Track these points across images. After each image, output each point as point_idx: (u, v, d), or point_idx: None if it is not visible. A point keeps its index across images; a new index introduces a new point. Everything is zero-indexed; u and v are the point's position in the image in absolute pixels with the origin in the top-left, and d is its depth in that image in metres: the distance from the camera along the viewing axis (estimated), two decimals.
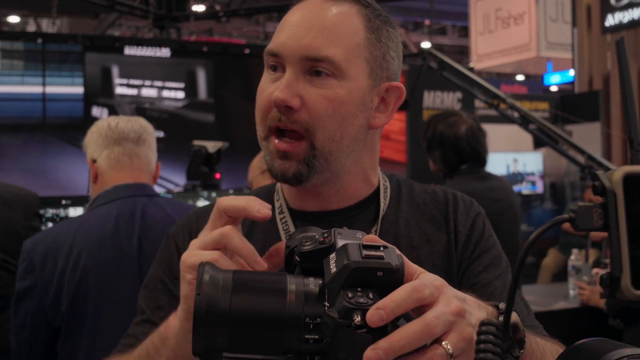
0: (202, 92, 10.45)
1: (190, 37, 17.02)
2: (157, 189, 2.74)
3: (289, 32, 1.33)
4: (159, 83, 10.13)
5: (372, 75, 1.36)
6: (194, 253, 1.14)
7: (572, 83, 14.10)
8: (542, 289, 7.21)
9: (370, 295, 0.91)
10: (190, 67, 10.33)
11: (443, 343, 0.91)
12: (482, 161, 4.00)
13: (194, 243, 1.17)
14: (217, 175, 5.26)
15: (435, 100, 11.62)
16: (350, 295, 0.91)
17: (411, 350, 0.89)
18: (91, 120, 9.64)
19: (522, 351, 1.10)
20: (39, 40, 9.47)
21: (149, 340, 1.29)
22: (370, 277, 0.92)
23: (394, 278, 0.93)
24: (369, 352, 0.87)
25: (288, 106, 1.29)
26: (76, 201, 4.34)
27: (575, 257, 5.13)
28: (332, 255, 0.97)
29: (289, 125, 1.30)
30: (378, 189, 1.48)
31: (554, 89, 18.74)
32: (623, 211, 0.84)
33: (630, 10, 12.10)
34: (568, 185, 11.47)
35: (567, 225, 5.88)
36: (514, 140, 10.90)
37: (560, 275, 8.69)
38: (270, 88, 1.33)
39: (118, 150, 2.58)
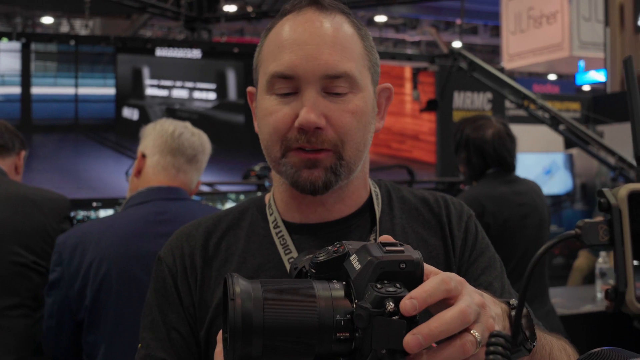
0: (232, 93, 10.49)
1: (221, 38, 17.11)
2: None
3: (301, 52, 1.29)
4: (189, 84, 10.19)
5: (372, 81, 1.38)
6: None
7: (603, 83, 13.98)
8: (570, 291, 7.16)
9: (398, 285, 0.96)
10: (221, 68, 10.37)
11: (472, 331, 0.96)
12: (508, 166, 3.98)
13: None
14: None
15: (466, 100, 11.56)
16: (379, 286, 0.95)
17: (447, 337, 0.94)
18: (122, 121, 9.76)
19: (534, 343, 1.13)
20: (72, 42, 9.57)
21: None
22: (394, 269, 0.97)
23: (415, 270, 0.98)
24: (409, 337, 0.92)
25: (318, 127, 1.28)
26: (107, 203, 4.40)
27: (602, 260, 5.09)
28: (353, 257, 1.01)
29: (318, 146, 1.29)
30: (371, 195, 1.48)
31: (586, 88, 18.58)
32: (628, 228, 0.86)
33: None
34: (599, 186, 11.38)
35: None
36: (544, 140, 10.82)
37: (592, 277, 8.63)
38: (285, 109, 1.30)
39: (170, 160, 2.62)
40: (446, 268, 1.42)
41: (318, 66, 1.28)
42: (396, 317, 0.93)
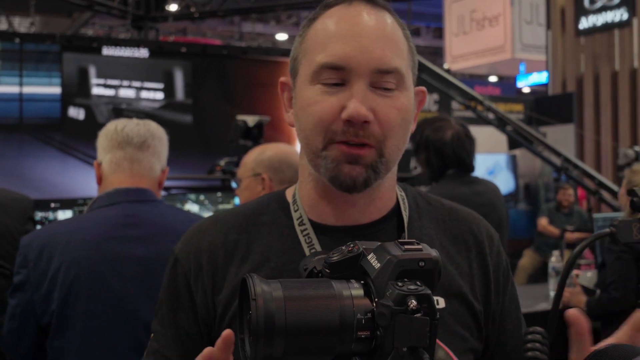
0: (180, 93, 10.42)
1: (169, 38, 16.97)
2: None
3: (354, 43, 1.26)
4: (136, 83, 10.08)
5: (413, 81, 1.36)
6: None
7: (544, 85, 14.25)
8: (520, 290, 7.25)
9: (418, 283, 0.96)
10: (169, 68, 10.29)
11: None
12: (467, 167, 4.02)
13: None
14: None
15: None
16: (400, 284, 0.95)
17: None
18: (68, 120, 9.61)
19: None
20: (17, 40, 9.40)
21: None
22: (413, 267, 0.98)
23: (434, 268, 0.99)
24: None
25: (366, 121, 1.25)
26: (65, 204, 4.33)
27: (555, 259, 5.19)
28: (371, 256, 1.02)
29: (365, 140, 1.25)
30: (398, 200, 1.43)
31: (526, 90, 18.89)
32: None
33: (603, 14, 12.26)
34: (542, 187, 11.58)
35: (541, 227, 5.97)
36: (488, 141, 10.98)
37: (536, 276, 8.78)
38: (331, 100, 1.26)
39: (120, 154, 2.58)
40: (470, 288, 1.38)
41: (372, 59, 1.26)
42: (419, 315, 0.93)
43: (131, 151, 2.58)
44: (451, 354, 1.26)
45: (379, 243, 1.04)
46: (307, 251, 1.32)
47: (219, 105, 10.56)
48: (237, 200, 4.97)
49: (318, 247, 1.32)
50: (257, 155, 3.15)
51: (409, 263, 0.98)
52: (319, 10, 1.35)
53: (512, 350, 1.41)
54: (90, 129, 9.95)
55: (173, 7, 14.26)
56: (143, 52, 10.03)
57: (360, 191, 1.29)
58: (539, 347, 0.94)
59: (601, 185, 7.34)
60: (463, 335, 1.32)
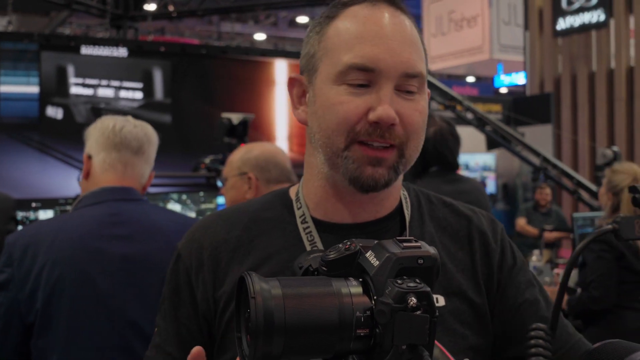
0: (159, 93, 10.40)
1: (148, 37, 16.89)
2: None
3: (384, 46, 1.27)
4: (115, 83, 10.06)
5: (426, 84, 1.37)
6: None
7: (522, 85, 14.33)
8: None
9: (417, 280, 0.96)
10: (148, 67, 10.26)
11: None
12: (450, 165, 4.01)
13: None
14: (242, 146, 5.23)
15: None
16: (399, 282, 0.95)
17: None
18: (46, 120, 9.56)
19: None
20: None
21: None
22: (412, 265, 0.98)
23: (433, 265, 0.99)
24: None
25: (392, 124, 1.26)
26: (47, 204, 4.29)
27: (536, 258, 5.23)
28: (369, 253, 1.01)
29: (390, 141, 1.26)
30: (401, 199, 1.44)
31: (503, 90, 19.00)
32: None
33: (581, 15, 12.34)
34: (520, 186, 11.66)
35: (520, 227, 5.99)
36: (466, 141, 11.03)
37: None
38: (357, 101, 1.26)
39: (115, 156, 2.56)
40: (473, 282, 1.39)
41: (401, 63, 1.26)
42: (419, 312, 0.93)
43: (127, 154, 2.57)
44: (447, 352, 1.27)
45: (376, 241, 1.04)
46: (309, 249, 1.33)
47: (199, 105, 10.55)
48: (219, 200, 4.97)
49: (320, 245, 1.33)
50: (244, 154, 3.14)
51: (407, 260, 0.98)
52: (336, 9, 1.35)
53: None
54: (68, 128, 9.93)
55: (151, 7, 14.20)
56: (122, 52, 10.00)
57: (380, 191, 1.31)
58: (542, 344, 0.95)
59: (580, 184, 7.40)
60: (463, 334, 1.33)
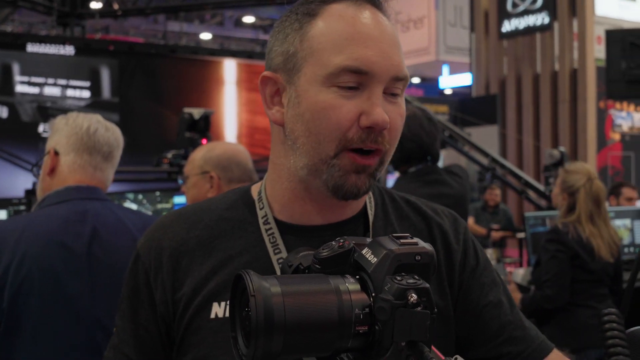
0: (107, 91, 10.28)
1: (95, 36, 16.66)
2: None
3: (376, 48, 1.23)
4: (62, 81, 9.91)
5: None
6: None
7: (468, 86, 14.51)
8: None
9: (416, 277, 0.95)
10: (95, 66, 10.14)
11: None
12: (427, 149, 3.69)
13: None
14: (204, 141, 5.16)
15: None
16: (398, 278, 0.94)
17: None
18: None
19: None
20: None
21: None
22: (410, 261, 0.97)
23: (430, 262, 0.99)
24: None
25: (385, 128, 1.22)
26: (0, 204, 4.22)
27: (489, 256, 5.29)
28: (366, 250, 1.00)
29: (381, 146, 1.23)
30: (365, 200, 1.40)
31: (448, 92, 19.19)
32: None
33: (526, 17, 12.56)
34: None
35: (468, 226, 6.01)
36: None
37: None
38: (348, 105, 1.22)
39: (87, 159, 2.53)
40: (436, 285, 1.35)
41: (392, 66, 1.22)
42: (419, 309, 0.92)
43: (97, 158, 2.55)
44: (436, 350, 1.27)
45: (370, 239, 1.04)
46: (270, 251, 1.30)
47: (147, 104, 10.46)
48: (176, 200, 4.94)
49: (282, 247, 1.30)
50: (206, 152, 3.11)
51: (405, 257, 0.97)
52: (315, 6, 1.29)
53: (494, 333, 1.38)
54: (14, 127, 9.77)
55: (97, 5, 14.01)
56: (69, 50, 9.86)
57: (358, 199, 1.28)
58: (616, 327, 0.95)
59: (527, 184, 7.53)
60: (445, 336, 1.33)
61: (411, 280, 0.94)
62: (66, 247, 2.39)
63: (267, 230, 1.32)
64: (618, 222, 5.44)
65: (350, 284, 0.98)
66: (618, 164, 13.97)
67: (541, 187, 7.31)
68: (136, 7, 12.97)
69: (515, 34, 12.78)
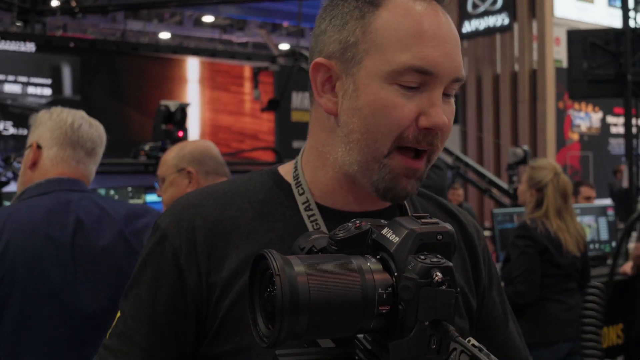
0: (68, 89, 10.18)
1: (57, 33, 16.46)
2: None
3: (442, 49, 1.20)
4: (23, 79, 9.80)
5: None
6: None
7: None
8: None
9: (439, 256, 0.96)
10: (56, 63, 10.03)
11: None
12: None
13: None
14: (180, 133, 5.18)
15: (304, 101, 11.73)
16: (422, 257, 0.95)
17: None
18: None
19: None
20: None
21: None
22: (432, 241, 0.97)
23: (451, 241, 0.99)
24: None
25: (443, 129, 1.21)
26: None
27: None
28: (386, 230, 1.00)
29: (434, 147, 1.22)
30: None
31: None
32: None
33: (486, 18, 12.69)
34: None
35: None
36: None
37: None
38: (410, 105, 1.19)
39: (70, 153, 2.52)
40: (468, 285, 1.38)
41: (455, 68, 1.20)
42: (444, 287, 0.93)
43: (81, 154, 2.54)
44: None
45: (384, 220, 1.04)
46: None
47: (109, 102, 10.38)
48: (148, 197, 4.92)
49: (325, 232, 1.25)
50: (178, 151, 3.14)
51: (427, 236, 0.97)
52: None
53: (501, 342, 1.42)
54: None
55: (55, 2, 13.84)
56: (30, 47, 9.74)
57: (403, 201, 1.29)
58: (597, 301, 0.97)
59: (491, 183, 7.61)
60: (462, 328, 1.32)
61: (435, 259, 0.95)
62: (50, 238, 2.38)
63: (310, 217, 1.29)
64: (583, 219, 5.53)
65: (372, 264, 0.98)
66: (577, 163, 14.18)
67: (505, 185, 7.40)
68: (97, 4, 12.86)
69: (475, 34, 12.91)
